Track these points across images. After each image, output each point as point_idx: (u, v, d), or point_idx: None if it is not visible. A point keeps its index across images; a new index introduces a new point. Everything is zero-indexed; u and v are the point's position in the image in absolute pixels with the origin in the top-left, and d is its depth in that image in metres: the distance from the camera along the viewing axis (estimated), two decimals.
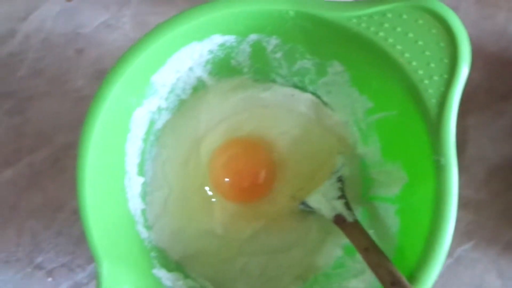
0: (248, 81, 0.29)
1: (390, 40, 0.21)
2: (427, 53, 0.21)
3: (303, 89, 0.30)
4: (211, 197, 0.29)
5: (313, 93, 0.30)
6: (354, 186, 0.29)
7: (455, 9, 0.39)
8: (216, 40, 0.24)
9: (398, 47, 0.22)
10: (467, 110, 0.37)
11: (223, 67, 0.27)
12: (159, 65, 0.24)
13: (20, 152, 0.35)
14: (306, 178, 0.29)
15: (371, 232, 0.24)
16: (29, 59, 0.36)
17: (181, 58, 0.25)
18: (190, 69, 0.26)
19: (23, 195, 0.34)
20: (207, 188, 0.30)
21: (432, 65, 0.21)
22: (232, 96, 0.29)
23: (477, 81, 0.38)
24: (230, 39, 0.25)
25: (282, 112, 0.30)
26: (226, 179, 0.29)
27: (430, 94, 0.21)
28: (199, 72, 0.27)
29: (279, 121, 0.30)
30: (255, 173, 0.29)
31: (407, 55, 0.22)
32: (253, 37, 0.25)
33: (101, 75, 0.36)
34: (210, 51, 0.25)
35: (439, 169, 0.21)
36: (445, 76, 0.21)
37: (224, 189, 0.29)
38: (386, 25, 0.21)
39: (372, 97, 0.26)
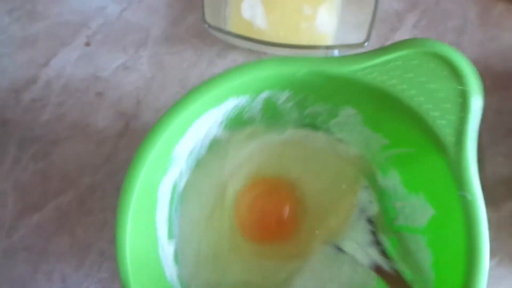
0: (261, 129, 0.30)
1: (403, 86, 0.22)
2: (441, 94, 0.22)
3: (315, 128, 0.31)
4: (241, 244, 0.30)
5: (326, 131, 0.31)
6: (379, 216, 0.29)
7: (461, 31, 0.40)
8: (231, 103, 0.25)
9: (411, 91, 0.22)
10: (479, 130, 0.38)
11: (236, 122, 0.28)
12: (181, 136, 0.25)
13: (47, 196, 0.36)
14: (330, 212, 0.30)
15: (404, 264, 0.24)
16: (51, 104, 0.37)
17: (200, 125, 0.25)
18: (207, 132, 0.27)
19: (52, 238, 0.35)
20: (236, 236, 0.30)
21: (447, 105, 0.22)
22: (247, 144, 0.30)
23: (486, 101, 0.38)
24: (243, 99, 0.25)
25: (298, 150, 0.31)
26: (253, 221, 0.30)
27: (447, 133, 0.22)
28: (214, 131, 0.28)
29: (297, 159, 0.31)
30: (280, 211, 0.30)
31: (420, 98, 0.22)
32: (265, 94, 0.25)
33: (121, 116, 0.37)
34: (225, 113, 0.26)
35: (465, 204, 0.21)
36: (461, 114, 0.22)
37: (252, 232, 0.30)
38: (398, 72, 0.22)
39: (387, 136, 0.27)
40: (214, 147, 0.29)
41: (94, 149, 0.36)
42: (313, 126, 0.31)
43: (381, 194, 0.30)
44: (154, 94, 0.37)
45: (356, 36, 0.35)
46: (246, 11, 0.36)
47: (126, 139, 0.37)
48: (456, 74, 0.22)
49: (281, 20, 0.36)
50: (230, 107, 0.26)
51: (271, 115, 0.28)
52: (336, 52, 0.37)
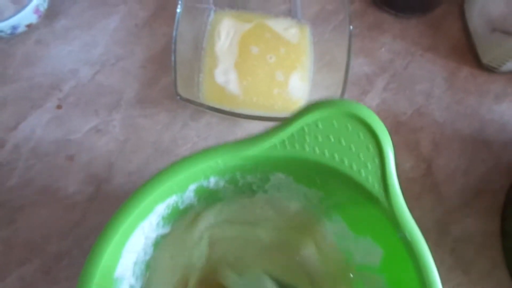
0: (200, 211, 0.30)
1: (324, 151, 0.23)
2: (361, 156, 0.23)
3: (253, 193, 0.30)
4: None
5: (264, 192, 0.30)
6: (335, 259, 0.30)
7: (429, 95, 0.41)
8: (160, 208, 0.25)
9: (334, 154, 0.23)
10: (448, 193, 0.39)
11: (174, 216, 0.27)
12: (117, 260, 0.23)
13: (10, 265, 0.34)
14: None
15: None
16: (19, 168, 0.36)
17: (135, 240, 0.24)
18: (146, 242, 0.26)
19: None
20: None
21: (369, 166, 0.23)
22: (191, 230, 0.29)
23: (454, 164, 0.40)
24: (172, 199, 0.25)
25: (242, 225, 0.31)
26: None
27: (373, 184, 0.23)
28: (154, 235, 0.27)
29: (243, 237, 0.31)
30: None
31: (344, 159, 0.23)
32: (192, 186, 0.25)
33: (92, 180, 0.36)
34: (158, 220, 0.26)
35: (408, 244, 0.22)
36: (379, 172, 0.23)
37: None
38: (317, 138, 0.22)
39: (321, 189, 0.27)
40: (160, 245, 0.28)
41: (63, 215, 0.36)
42: (250, 193, 0.31)
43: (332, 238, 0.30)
44: (126, 157, 0.37)
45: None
46: (220, 77, 0.37)
47: (97, 203, 0.36)
48: (370, 132, 0.22)
49: (254, 86, 0.37)
50: (159, 216, 0.25)
51: (206, 197, 0.28)
52: None
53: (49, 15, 0.40)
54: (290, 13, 0.40)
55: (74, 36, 0.40)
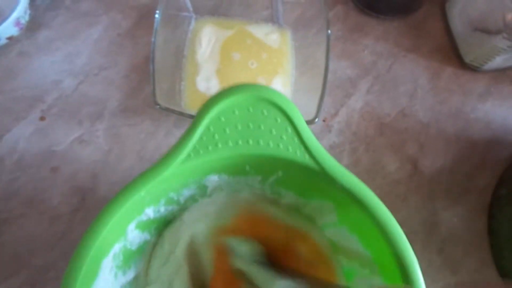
0: (156, 241, 0.29)
1: (249, 139, 0.22)
2: (284, 137, 0.23)
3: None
4: None
5: (209, 197, 0.30)
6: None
7: (412, 96, 0.41)
8: (107, 263, 0.24)
9: (261, 141, 0.23)
10: (434, 192, 0.39)
11: (131, 257, 0.27)
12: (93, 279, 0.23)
13: None
14: None
15: None
16: (3, 181, 0.36)
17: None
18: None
19: None
20: None
21: (287, 139, 0.23)
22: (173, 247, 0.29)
23: (440, 163, 0.40)
24: (117, 246, 0.25)
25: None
26: None
27: (297, 154, 0.23)
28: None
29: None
30: None
31: (272, 144, 0.23)
32: (131, 226, 0.25)
33: (77, 191, 0.36)
34: (113, 271, 0.25)
35: (351, 193, 0.23)
36: (296, 139, 0.23)
37: None
38: (239, 126, 0.22)
39: (257, 173, 0.27)
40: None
41: (48, 227, 0.36)
42: (196, 200, 0.30)
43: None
44: (111, 167, 0.37)
45: (310, 105, 0.35)
46: (201, 84, 0.37)
47: (82, 214, 0.36)
48: (287, 118, 0.23)
49: None
50: (109, 263, 0.25)
51: (155, 226, 0.28)
52: None
53: (31, 27, 0.40)
54: (272, 19, 0.40)
55: (57, 47, 0.40)
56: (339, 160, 0.39)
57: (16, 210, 0.36)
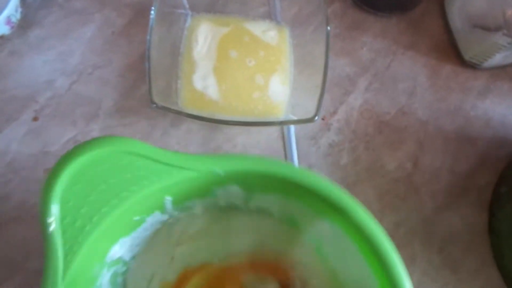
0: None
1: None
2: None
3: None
4: None
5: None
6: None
7: (412, 93, 0.41)
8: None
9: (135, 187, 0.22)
10: (434, 191, 0.39)
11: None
12: None
13: None
14: None
15: None
16: None
17: None
18: None
19: None
20: None
21: None
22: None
23: (440, 162, 0.39)
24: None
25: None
26: None
27: None
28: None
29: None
30: None
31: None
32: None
33: None
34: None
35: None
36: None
37: None
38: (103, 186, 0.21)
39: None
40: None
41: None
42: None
43: None
44: None
45: (310, 103, 0.35)
46: (198, 82, 0.36)
47: None
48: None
49: (233, 90, 0.36)
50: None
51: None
52: (292, 128, 0.37)
53: (22, 25, 0.39)
54: (269, 16, 0.39)
55: (49, 46, 0.39)
56: (338, 159, 0.38)
57: (8, 214, 0.35)
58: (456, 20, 0.43)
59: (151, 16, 0.33)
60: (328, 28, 0.34)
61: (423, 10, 0.44)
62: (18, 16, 0.38)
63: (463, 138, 0.40)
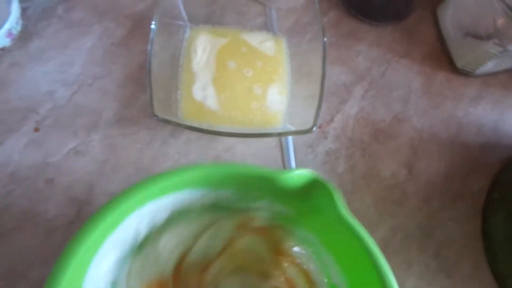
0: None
1: None
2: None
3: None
4: None
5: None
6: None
7: (406, 100, 0.42)
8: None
9: None
10: (429, 197, 0.39)
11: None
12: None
13: None
14: None
15: None
16: None
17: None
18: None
19: None
20: None
21: None
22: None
23: (435, 168, 0.40)
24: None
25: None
26: None
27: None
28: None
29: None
30: None
31: None
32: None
33: (73, 203, 0.36)
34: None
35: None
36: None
37: None
38: None
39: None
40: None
41: (44, 240, 0.35)
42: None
43: None
44: (107, 178, 0.37)
45: (307, 112, 0.36)
46: (198, 93, 0.37)
47: (78, 226, 0.35)
48: None
49: (232, 100, 0.37)
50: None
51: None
52: (290, 139, 0.38)
53: (23, 37, 0.39)
54: (266, 27, 0.40)
55: (49, 57, 0.39)
56: (335, 166, 0.39)
57: (10, 223, 0.35)
58: (449, 28, 0.44)
59: (152, 28, 0.33)
60: (325, 39, 0.34)
61: (417, 19, 0.45)
62: (19, 28, 0.38)
63: (456, 145, 0.41)
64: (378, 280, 0.22)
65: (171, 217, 0.28)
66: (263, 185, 0.24)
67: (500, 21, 0.38)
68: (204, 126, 0.34)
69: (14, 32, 0.37)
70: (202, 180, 0.24)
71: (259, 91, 0.37)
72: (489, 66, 0.41)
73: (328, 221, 0.25)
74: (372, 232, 0.24)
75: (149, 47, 0.33)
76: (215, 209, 0.29)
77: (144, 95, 0.39)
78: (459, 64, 0.43)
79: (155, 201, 0.25)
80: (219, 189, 0.26)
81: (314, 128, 0.33)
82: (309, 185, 0.24)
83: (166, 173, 0.23)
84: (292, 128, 0.35)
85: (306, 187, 0.24)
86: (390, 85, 0.42)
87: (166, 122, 0.31)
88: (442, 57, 0.44)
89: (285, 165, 0.38)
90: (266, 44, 0.38)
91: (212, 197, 0.27)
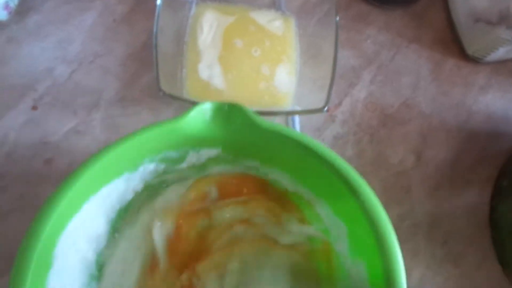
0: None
1: None
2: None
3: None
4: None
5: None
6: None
7: (415, 87, 0.41)
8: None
9: None
10: (437, 185, 0.39)
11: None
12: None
13: None
14: None
15: None
16: None
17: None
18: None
19: None
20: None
21: None
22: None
23: (442, 156, 0.40)
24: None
25: None
26: None
27: None
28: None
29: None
30: None
31: None
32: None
33: None
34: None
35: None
36: None
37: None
38: None
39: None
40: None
41: None
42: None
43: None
44: None
45: (316, 94, 0.35)
46: (203, 71, 0.35)
47: None
48: None
49: (239, 80, 0.36)
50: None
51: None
52: (296, 119, 0.37)
53: (20, 11, 0.38)
54: (274, 5, 0.39)
55: (48, 33, 0.38)
56: (343, 151, 0.38)
57: (7, 206, 0.34)
58: (459, 14, 0.43)
59: (158, 3, 0.32)
60: (337, 18, 0.33)
61: (427, 4, 0.44)
62: (16, 1, 0.36)
63: (465, 132, 0.41)
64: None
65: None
66: (180, 140, 0.24)
67: None
68: None
69: (11, 4, 0.36)
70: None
71: (267, 71, 0.36)
72: (500, 52, 0.41)
73: (262, 140, 0.24)
74: None
75: (155, 22, 0.32)
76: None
77: (147, 74, 0.37)
78: (470, 50, 0.42)
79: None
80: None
81: (326, 108, 0.31)
82: (216, 119, 0.24)
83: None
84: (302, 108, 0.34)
85: (217, 123, 0.24)
86: (399, 70, 0.41)
87: (172, 97, 0.30)
88: (452, 43, 0.43)
89: None
90: (275, 23, 0.37)
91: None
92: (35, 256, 0.20)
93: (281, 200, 0.30)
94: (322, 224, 0.28)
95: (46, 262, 0.22)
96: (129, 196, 0.27)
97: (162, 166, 0.26)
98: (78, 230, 0.23)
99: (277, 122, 0.22)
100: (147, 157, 0.25)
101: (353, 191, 0.23)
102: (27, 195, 0.34)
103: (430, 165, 0.39)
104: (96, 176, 0.22)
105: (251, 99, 0.35)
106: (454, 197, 0.39)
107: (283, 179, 0.28)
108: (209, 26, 0.36)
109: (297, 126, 0.37)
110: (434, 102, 0.41)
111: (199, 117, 0.23)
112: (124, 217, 0.28)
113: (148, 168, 0.25)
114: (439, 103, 0.41)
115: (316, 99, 0.34)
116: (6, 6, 0.35)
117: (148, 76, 0.37)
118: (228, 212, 0.30)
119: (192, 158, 0.26)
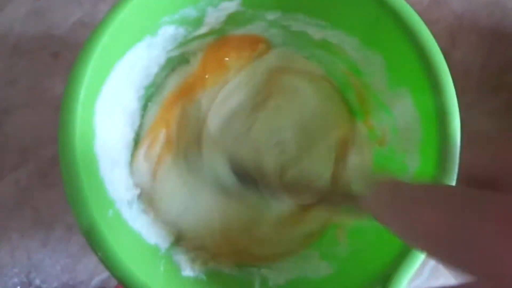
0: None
1: None
2: None
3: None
4: None
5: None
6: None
7: None
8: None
9: None
10: (463, 88, 0.37)
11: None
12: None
13: (3, 169, 0.33)
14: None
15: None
16: (0, 68, 0.33)
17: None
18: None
19: (13, 214, 0.32)
20: None
21: None
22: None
23: (471, 58, 0.37)
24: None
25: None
26: None
27: None
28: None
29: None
30: None
31: None
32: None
33: None
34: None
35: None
36: None
37: None
38: None
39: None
40: None
41: (54, 117, 0.33)
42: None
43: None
44: None
45: None
46: None
47: None
48: None
49: None
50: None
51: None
52: None
53: None
54: None
55: None
56: None
57: (16, 99, 0.33)
58: None
59: None
60: None
61: None
62: None
63: (498, 34, 0.38)
64: None
65: None
66: None
67: None
68: None
69: None
70: None
71: None
72: None
73: None
74: None
75: None
76: None
77: None
78: None
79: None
80: None
81: None
82: None
83: None
84: None
85: None
86: None
87: None
88: None
89: None
90: None
91: None
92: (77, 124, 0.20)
93: None
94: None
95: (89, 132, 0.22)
96: (154, 69, 0.26)
97: (181, 31, 0.25)
98: (112, 100, 0.23)
99: None
100: (165, 15, 0.23)
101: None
102: (37, 88, 0.33)
103: (458, 68, 0.37)
104: (118, 34, 0.21)
105: None
106: (480, 102, 0.37)
107: (308, 29, 0.26)
108: None
109: None
110: (467, 0, 0.37)
111: None
112: (151, 98, 0.28)
113: (167, 31, 0.24)
114: (472, 1, 0.37)
115: None
116: None
117: None
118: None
119: (211, 18, 0.25)
